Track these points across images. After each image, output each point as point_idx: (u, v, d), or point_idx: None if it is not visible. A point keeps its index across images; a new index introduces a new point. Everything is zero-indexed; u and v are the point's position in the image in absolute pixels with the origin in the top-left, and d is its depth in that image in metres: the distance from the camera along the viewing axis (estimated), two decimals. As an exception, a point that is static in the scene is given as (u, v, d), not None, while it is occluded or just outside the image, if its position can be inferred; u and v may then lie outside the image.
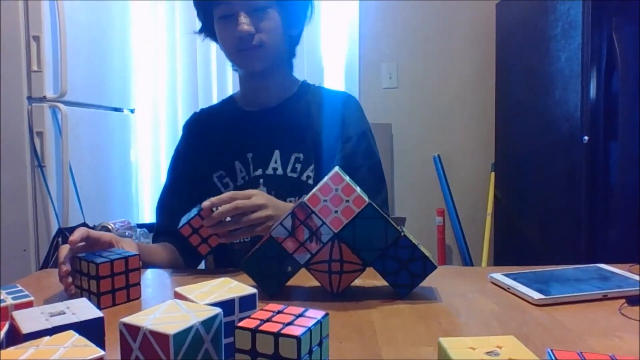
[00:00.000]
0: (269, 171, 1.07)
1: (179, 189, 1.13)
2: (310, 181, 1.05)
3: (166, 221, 1.10)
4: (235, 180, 1.10)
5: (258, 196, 0.87)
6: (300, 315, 0.46)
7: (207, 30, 1.10)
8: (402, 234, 0.71)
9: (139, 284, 0.74)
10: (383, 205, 1.10)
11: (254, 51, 1.02)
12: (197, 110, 1.23)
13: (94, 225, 1.87)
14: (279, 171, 1.07)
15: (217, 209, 0.84)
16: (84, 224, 1.87)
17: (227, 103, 1.19)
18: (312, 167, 1.06)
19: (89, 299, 0.60)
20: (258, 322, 0.45)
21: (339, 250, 0.71)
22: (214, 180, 1.10)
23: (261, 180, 1.07)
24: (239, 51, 1.03)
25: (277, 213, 0.86)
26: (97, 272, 0.69)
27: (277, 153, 1.08)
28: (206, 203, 0.84)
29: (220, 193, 1.07)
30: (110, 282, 0.70)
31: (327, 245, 0.71)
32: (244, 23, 0.99)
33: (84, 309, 0.54)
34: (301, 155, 1.07)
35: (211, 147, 1.12)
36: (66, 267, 0.74)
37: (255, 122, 1.11)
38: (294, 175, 1.06)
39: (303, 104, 1.11)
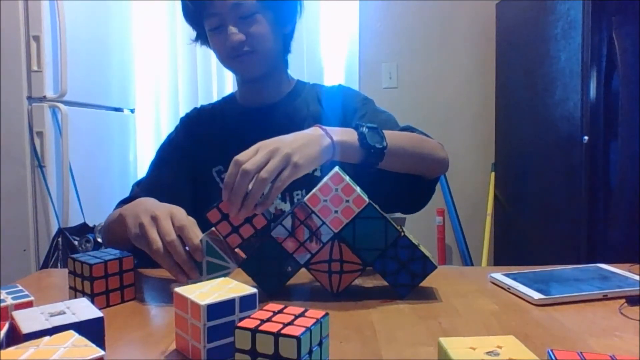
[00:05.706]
0: None
1: (166, 179, 1.09)
2: (317, 172, 1.03)
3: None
4: None
5: (262, 146, 0.75)
6: (300, 315, 0.46)
7: (202, 39, 1.12)
8: (402, 234, 0.70)
9: (133, 284, 0.73)
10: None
11: (247, 57, 1.03)
12: (197, 106, 1.22)
13: (94, 225, 1.88)
14: None
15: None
16: (84, 224, 1.88)
17: (227, 100, 1.21)
18: None
19: None
20: (258, 322, 0.45)
21: (339, 250, 0.71)
22: (213, 174, 1.10)
23: None
24: (232, 58, 1.04)
25: (293, 147, 0.75)
26: (91, 273, 0.68)
27: None
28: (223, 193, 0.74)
29: (218, 187, 1.08)
30: (104, 283, 0.70)
31: (327, 245, 0.71)
32: (234, 33, 1.00)
33: (84, 309, 0.54)
34: None
35: (211, 142, 1.12)
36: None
37: (253, 119, 1.12)
38: None
39: (301, 100, 1.13)
